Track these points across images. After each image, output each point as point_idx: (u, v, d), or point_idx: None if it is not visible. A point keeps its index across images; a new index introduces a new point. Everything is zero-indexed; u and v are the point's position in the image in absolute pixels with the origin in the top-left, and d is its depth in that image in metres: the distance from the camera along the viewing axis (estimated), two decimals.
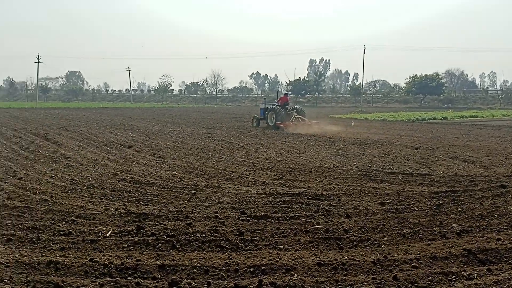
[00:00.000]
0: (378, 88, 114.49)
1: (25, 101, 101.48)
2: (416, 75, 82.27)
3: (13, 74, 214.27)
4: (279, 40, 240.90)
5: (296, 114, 24.77)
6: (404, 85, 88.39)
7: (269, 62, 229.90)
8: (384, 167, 11.20)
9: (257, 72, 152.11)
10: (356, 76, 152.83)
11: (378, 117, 37.41)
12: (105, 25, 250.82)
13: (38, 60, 76.88)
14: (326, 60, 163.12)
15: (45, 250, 5.24)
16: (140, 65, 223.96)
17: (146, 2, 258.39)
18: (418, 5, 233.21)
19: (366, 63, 71.95)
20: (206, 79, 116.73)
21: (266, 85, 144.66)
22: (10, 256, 4.96)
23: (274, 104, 26.21)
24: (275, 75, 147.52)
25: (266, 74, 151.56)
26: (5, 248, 5.27)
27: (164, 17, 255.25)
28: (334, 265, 4.74)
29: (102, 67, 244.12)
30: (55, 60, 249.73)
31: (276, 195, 8.07)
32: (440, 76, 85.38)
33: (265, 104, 27.23)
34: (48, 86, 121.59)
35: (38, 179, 9.42)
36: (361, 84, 78.72)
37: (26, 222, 6.32)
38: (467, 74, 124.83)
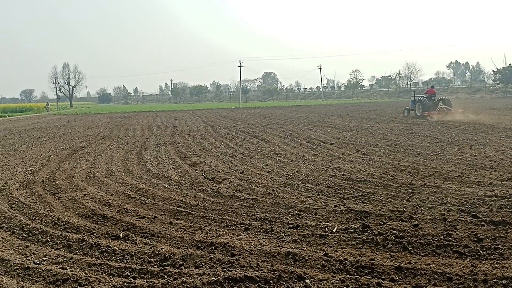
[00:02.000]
0: None
1: (228, 102, 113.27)
2: None
3: (218, 78, 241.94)
4: (480, 24, 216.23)
5: (442, 104, 27.25)
6: None
7: (470, 49, 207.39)
8: None
9: (456, 61, 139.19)
10: None
11: None
12: (298, 27, 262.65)
13: (241, 64, 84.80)
14: None
15: (280, 241, 5.60)
16: (330, 63, 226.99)
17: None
18: None
19: None
20: (399, 72, 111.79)
21: (467, 74, 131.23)
22: (252, 244, 5.44)
23: (422, 96, 28.62)
24: (477, 63, 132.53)
25: (466, 63, 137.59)
26: (246, 236, 5.81)
27: (349, 12, 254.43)
28: None
29: (294, 67, 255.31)
30: (253, 63, 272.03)
31: (510, 198, 7.11)
32: None
33: (414, 96, 30.02)
34: (247, 88, 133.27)
35: (257, 173, 10.24)
36: None
37: (257, 213, 6.89)
38: None
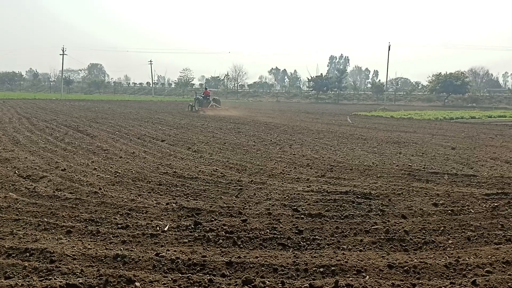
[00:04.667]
0: (399, 86, 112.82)
1: (48, 93, 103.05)
2: (440, 73, 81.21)
3: (35, 66, 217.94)
4: (300, 36, 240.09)
5: (213, 102, 36.12)
6: (427, 83, 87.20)
7: (291, 58, 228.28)
8: (425, 166, 10.96)
9: (276, 67, 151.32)
10: (376, 73, 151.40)
11: (404, 115, 36.91)
12: (126, 18, 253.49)
13: (63, 52, 78.02)
14: (345, 56, 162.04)
15: (108, 243, 5.23)
16: (161, 59, 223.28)
17: None
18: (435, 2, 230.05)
19: (385, 60, 71.45)
20: (227, 73, 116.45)
21: (285, 80, 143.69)
22: (75, 248, 4.95)
23: (200, 96, 37.21)
24: (295, 70, 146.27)
25: (285, 70, 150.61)
26: (67, 240, 5.27)
27: (185, 11, 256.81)
28: (405, 268, 4.60)
29: (123, 60, 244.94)
30: (78, 53, 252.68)
31: (323, 193, 7.94)
32: (465, 75, 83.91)
33: (196, 95, 39.49)
34: (70, 78, 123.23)
35: (82, 170, 9.47)
36: (386, 81, 77.72)
37: (82, 214, 6.33)
38: (492, 74, 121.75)
